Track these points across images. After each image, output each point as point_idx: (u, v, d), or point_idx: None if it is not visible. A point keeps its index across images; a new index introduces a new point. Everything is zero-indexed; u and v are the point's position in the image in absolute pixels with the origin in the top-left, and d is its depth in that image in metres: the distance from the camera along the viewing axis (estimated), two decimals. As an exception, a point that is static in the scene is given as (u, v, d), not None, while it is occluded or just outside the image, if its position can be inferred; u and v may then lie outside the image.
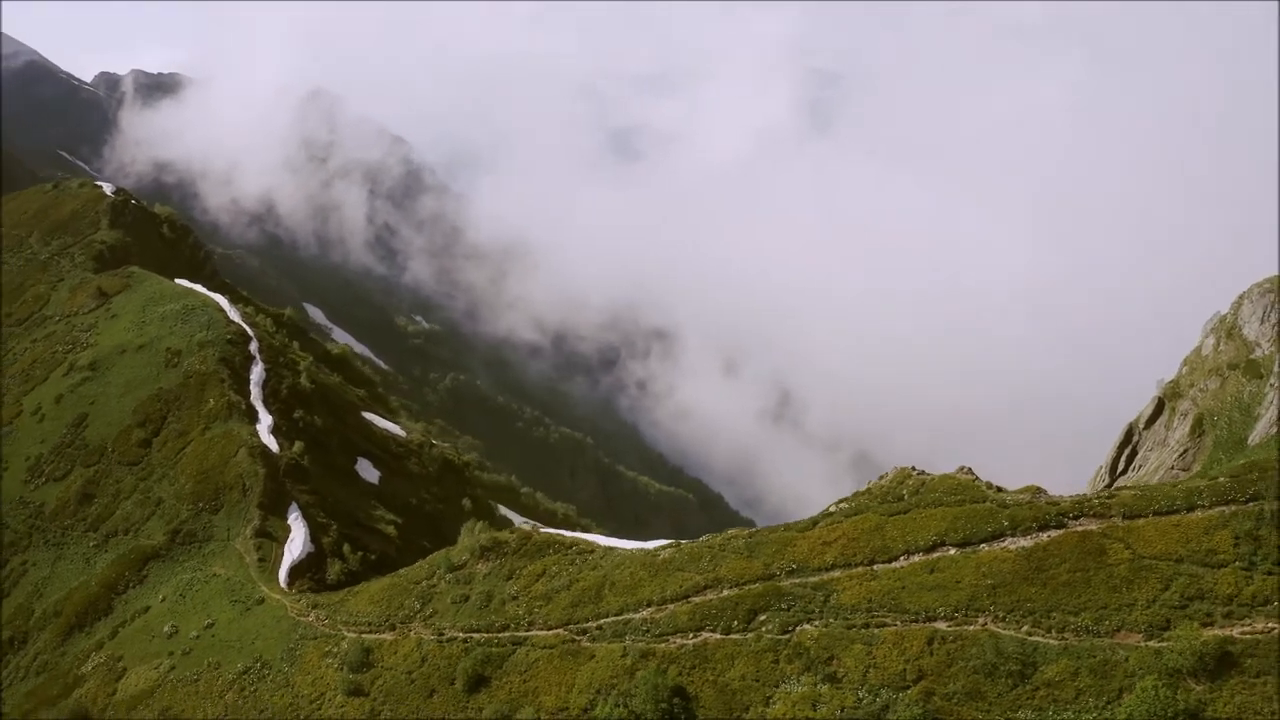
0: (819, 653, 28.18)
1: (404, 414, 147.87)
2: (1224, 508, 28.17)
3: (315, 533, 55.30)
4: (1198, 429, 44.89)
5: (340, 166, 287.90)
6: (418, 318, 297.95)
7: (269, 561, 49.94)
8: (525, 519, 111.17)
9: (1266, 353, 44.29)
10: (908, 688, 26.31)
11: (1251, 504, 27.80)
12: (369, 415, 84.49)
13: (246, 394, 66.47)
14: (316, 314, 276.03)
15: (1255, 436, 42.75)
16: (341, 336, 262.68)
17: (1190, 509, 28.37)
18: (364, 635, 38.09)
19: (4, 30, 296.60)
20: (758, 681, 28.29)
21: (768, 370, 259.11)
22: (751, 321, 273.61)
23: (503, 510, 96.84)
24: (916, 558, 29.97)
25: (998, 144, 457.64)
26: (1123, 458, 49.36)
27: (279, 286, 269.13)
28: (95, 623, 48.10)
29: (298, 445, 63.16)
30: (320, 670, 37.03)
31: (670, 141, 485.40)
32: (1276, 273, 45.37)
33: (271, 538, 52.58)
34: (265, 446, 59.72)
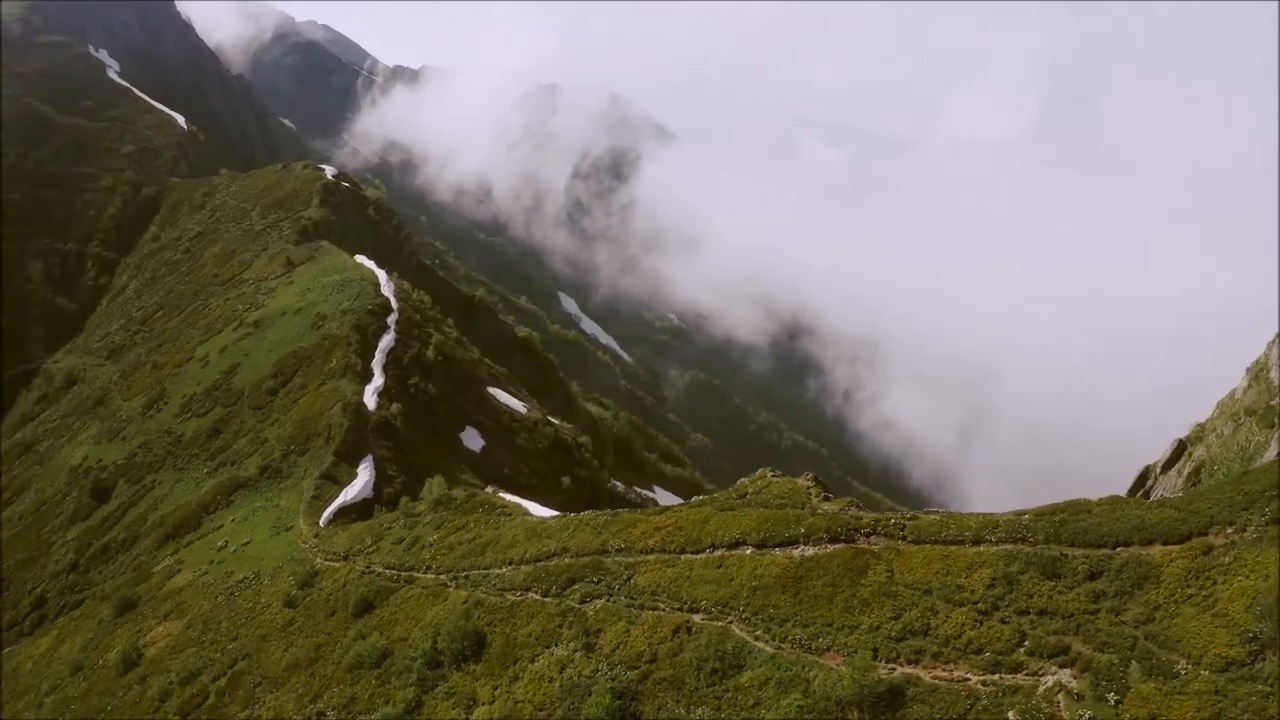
0: (593, 624, 30.25)
1: (599, 405, 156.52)
2: (1011, 545, 26.81)
3: (380, 483, 63.18)
4: (1194, 479, 40.46)
5: (553, 150, 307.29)
6: (670, 315, 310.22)
7: (321, 500, 58.03)
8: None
9: (1287, 401, 38.96)
10: (639, 667, 27.88)
11: (1041, 545, 26.32)
12: (494, 390, 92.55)
13: (369, 358, 76.19)
14: (569, 304, 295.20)
15: (1243, 493, 37.85)
16: (589, 328, 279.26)
17: (978, 542, 27.24)
18: (325, 562, 44.49)
19: (323, 22, 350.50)
20: (538, 640, 30.87)
21: (966, 384, 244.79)
22: (952, 333, 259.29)
23: (633, 491, 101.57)
24: (718, 552, 30.94)
25: (1236, 166, 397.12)
26: (1132, 503, 44.98)
27: (536, 276, 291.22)
28: (185, 535, 58.69)
29: (395, 406, 71.67)
30: (281, 585, 43.88)
31: (897, 149, 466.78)
32: (1315, 312, 39.66)
33: (335, 481, 60.80)
34: (361, 403, 68.49)
